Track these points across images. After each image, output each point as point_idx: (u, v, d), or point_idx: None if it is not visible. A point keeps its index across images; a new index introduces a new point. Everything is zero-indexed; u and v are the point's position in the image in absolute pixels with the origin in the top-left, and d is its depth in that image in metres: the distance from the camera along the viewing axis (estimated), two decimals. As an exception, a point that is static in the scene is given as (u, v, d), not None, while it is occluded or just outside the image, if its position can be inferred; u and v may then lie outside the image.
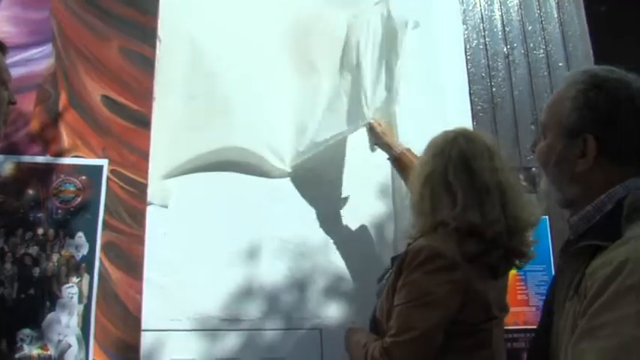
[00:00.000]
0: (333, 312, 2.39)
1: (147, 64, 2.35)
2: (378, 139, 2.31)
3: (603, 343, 0.85)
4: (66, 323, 2.08)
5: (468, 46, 2.85)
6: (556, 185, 1.17)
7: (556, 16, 2.99)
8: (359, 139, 2.46)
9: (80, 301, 2.11)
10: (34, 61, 2.26)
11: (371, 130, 2.34)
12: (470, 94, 2.78)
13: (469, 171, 1.52)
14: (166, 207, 2.35)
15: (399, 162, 2.22)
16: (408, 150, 2.22)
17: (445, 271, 1.41)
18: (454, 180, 1.51)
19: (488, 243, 1.45)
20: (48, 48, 2.30)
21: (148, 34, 2.37)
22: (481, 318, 1.46)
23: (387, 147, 2.28)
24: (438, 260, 1.42)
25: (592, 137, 1.08)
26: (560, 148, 1.14)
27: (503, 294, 1.61)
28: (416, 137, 2.44)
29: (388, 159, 2.29)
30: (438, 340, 1.39)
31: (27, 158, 2.19)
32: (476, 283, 1.44)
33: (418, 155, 2.15)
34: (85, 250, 2.15)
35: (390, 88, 2.45)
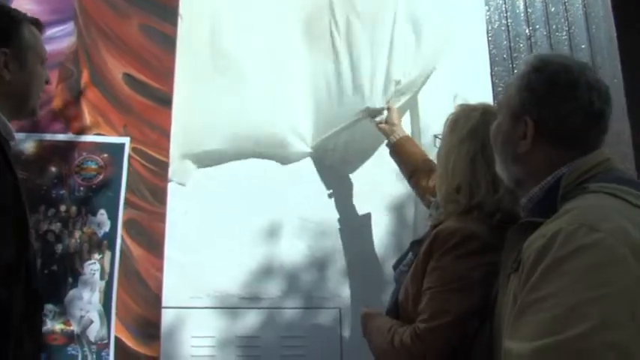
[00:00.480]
0: (352, 291, 2.39)
1: (168, 42, 2.34)
2: (388, 119, 2.29)
3: (545, 314, 0.87)
4: (88, 299, 2.09)
5: (489, 28, 2.81)
6: (503, 164, 1.20)
7: (579, -4, 2.94)
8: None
9: (102, 278, 2.12)
10: (56, 39, 2.26)
11: (388, 109, 2.31)
12: (491, 75, 2.74)
13: None
14: (184, 185, 2.37)
15: (399, 147, 2.19)
16: (409, 137, 2.22)
17: (479, 255, 1.35)
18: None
19: None
20: (70, 26, 2.31)
21: (169, 12, 2.37)
22: None
23: (389, 128, 2.25)
24: (472, 243, 1.36)
25: (531, 119, 1.11)
26: (505, 129, 1.18)
27: None
28: (436, 119, 2.42)
29: (387, 144, 2.26)
30: (472, 326, 1.32)
31: (49, 136, 2.20)
32: None
33: (417, 142, 2.15)
34: (106, 228, 2.16)
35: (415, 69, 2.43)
